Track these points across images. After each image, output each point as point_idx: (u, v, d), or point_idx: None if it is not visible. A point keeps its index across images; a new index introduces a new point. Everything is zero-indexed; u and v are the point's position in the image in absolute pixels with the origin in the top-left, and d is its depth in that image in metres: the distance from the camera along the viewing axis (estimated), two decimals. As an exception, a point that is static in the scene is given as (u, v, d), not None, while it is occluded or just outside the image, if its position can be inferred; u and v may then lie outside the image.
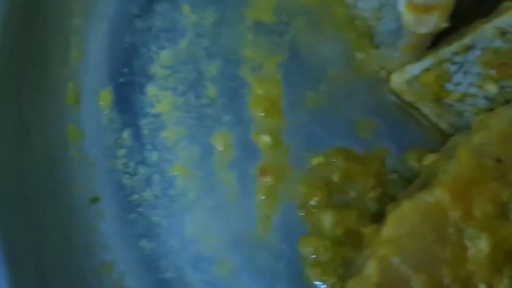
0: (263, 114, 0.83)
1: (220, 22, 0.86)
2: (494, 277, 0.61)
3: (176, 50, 0.85)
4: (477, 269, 0.61)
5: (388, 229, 0.64)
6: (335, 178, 0.80)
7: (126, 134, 0.82)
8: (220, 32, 0.86)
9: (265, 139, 0.81)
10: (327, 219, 0.78)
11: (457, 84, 0.77)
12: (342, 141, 0.82)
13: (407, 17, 0.68)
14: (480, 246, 0.61)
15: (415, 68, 0.79)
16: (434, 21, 0.67)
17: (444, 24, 0.68)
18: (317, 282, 0.76)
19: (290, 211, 0.80)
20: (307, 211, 0.80)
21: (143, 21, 0.85)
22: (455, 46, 0.75)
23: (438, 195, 0.63)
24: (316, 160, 0.81)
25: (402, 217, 0.64)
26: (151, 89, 0.84)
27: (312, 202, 0.80)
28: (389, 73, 0.83)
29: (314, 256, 0.77)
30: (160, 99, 0.83)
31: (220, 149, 0.82)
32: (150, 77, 0.84)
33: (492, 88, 0.75)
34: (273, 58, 0.85)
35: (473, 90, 0.77)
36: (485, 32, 0.73)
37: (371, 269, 0.64)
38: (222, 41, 0.85)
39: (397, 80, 0.82)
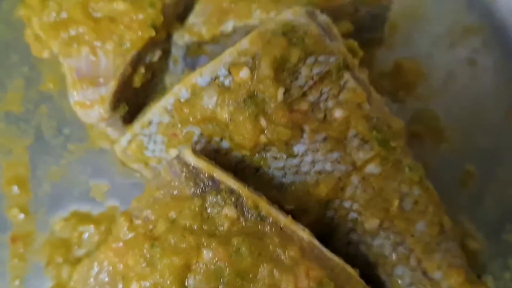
0: (14, 191, 1.00)
1: (-26, 118, 1.04)
2: None
3: None
4: None
5: (72, 281, 0.83)
6: (74, 239, 0.99)
7: None
8: (-25, 126, 1.04)
9: (15, 212, 0.99)
10: (65, 273, 0.97)
11: (153, 151, 0.96)
12: (80, 205, 1.01)
13: (78, 112, 0.87)
14: None
15: (123, 141, 0.98)
16: (97, 113, 0.86)
17: (106, 115, 0.87)
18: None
19: (38, 269, 0.98)
20: (52, 267, 0.98)
21: None
22: (139, 123, 0.94)
23: (103, 252, 0.82)
24: (58, 225, 1.00)
25: (83, 271, 0.83)
26: None
27: (57, 259, 0.98)
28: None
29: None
30: None
31: (-23, 226, 0.99)
32: None
33: (174, 151, 0.93)
34: (21, 143, 1.03)
35: (164, 154, 0.95)
36: (156, 110, 0.91)
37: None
38: (-24, 133, 1.03)
39: (117, 150, 1.00)
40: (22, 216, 1.00)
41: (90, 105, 0.85)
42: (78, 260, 0.97)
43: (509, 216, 1.05)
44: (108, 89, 0.86)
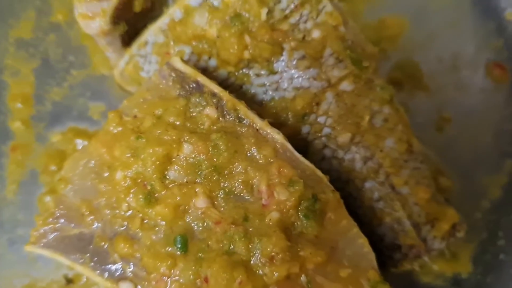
0: (18, 106, 1.09)
1: (-11, 41, 1.14)
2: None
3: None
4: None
5: (63, 170, 0.90)
6: (69, 151, 1.07)
7: None
8: (-11, 48, 1.13)
9: (17, 124, 1.08)
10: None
11: (148, 71, 1.04)
12: (78, 123, 1.09)
13: (81, 23, 0.96)
14: (117, 176, 0.86)
15: (121, 63, 1.06)
16: (98, 25, 0.95)
17: (106, 27, 0.96)
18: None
19: (34, 175, 1.05)
20: (47, 175, 1.05)
21: None
22: (136, 43, 1.02)
23: (93, 144, 0.89)
24: (55, 138, 1.07)
25: (73, 161, 0.90)
26: None
27: (52, 168, 1.06)
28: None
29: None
30: None
31: (-17, 135, 1.07)
32: None
33: (164, 71, 1.01)
34: (28, 65, 1.12)
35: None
36: (152, 30, 1.00)
37: (49, 201, 0.89)
38: (-11, 54, 1.13)
39: (115, 74, 1.09)
40: (23, 128, 1.07)
41: (92, 16, 0.94)
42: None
43: (482, 161, 1.10)
44: (109, 4, 0.94)
